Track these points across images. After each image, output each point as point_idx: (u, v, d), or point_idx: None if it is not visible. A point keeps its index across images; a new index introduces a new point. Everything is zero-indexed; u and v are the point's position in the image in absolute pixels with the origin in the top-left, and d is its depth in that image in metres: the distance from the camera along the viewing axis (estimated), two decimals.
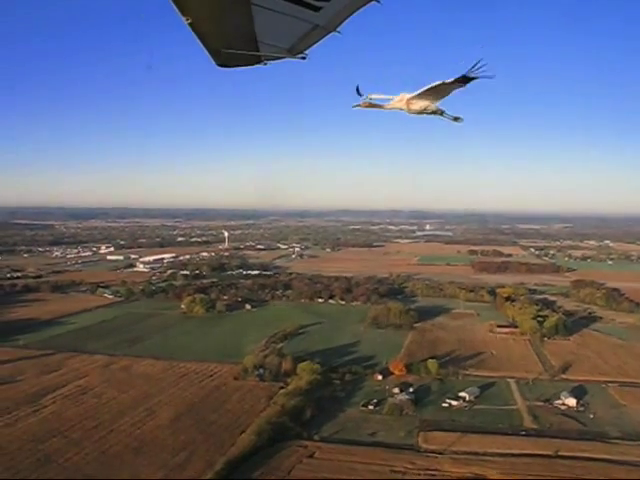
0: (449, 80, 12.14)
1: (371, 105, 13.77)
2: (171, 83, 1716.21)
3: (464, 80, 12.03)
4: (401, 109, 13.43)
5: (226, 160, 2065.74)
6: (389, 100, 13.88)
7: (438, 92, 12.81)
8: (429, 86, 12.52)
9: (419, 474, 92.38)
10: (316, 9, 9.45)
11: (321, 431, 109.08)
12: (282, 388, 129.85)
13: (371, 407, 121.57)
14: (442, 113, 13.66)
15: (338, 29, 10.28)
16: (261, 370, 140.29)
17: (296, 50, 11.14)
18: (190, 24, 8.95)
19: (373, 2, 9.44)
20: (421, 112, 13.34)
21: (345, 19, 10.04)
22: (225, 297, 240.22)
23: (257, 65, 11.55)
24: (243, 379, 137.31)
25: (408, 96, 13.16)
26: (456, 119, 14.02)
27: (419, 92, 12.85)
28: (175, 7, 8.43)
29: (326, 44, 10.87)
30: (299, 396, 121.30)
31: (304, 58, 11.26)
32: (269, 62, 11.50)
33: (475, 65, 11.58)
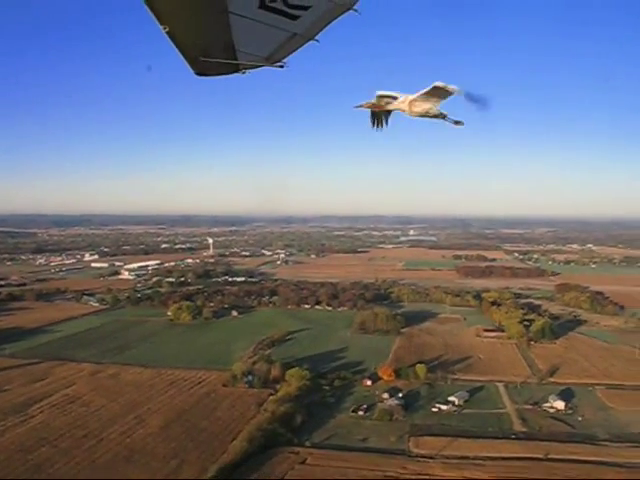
0: (450, 87, 12.48)
1: (373, 105, 13.83)
2: (152, 90, 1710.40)
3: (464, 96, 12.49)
4: (403, 111, 13.46)
5: (209, 167, 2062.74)
6: (394, 100, 13.89)
7: (439, 94, 12.89)
8: (430, 87, 12.64)
9: (411, 478, 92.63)
10: (294, 18, 9.52)
11: (312, 437, 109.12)
12: (271, 395, 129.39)
13: (361, 412, 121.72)
14: (444, 117, 13.70)
15: (316, 37, 10.34)
16: (250, 377, 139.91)
17: (274, 59, 11.15)
18: (167, 32, 8.94)
19: (351, 11, 9.47)
20: (423, 115, 13.34)
21: (323, 28, 10.09)
22: (211, 304, 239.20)
23: (235, 74, 11.51)
24: (232, 386, 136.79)
25: (411, 97, 13.17)
26: (457, 123, 14.04)
27: (421, 93, 12.92)
28: (152, 15, 8.42)
29: (304, 52, 10.89)
30: (289, 402, 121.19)
31: (282, 67, 11.25)
32: (247, 71, 11.47)
33: (480, 99, 12.35)
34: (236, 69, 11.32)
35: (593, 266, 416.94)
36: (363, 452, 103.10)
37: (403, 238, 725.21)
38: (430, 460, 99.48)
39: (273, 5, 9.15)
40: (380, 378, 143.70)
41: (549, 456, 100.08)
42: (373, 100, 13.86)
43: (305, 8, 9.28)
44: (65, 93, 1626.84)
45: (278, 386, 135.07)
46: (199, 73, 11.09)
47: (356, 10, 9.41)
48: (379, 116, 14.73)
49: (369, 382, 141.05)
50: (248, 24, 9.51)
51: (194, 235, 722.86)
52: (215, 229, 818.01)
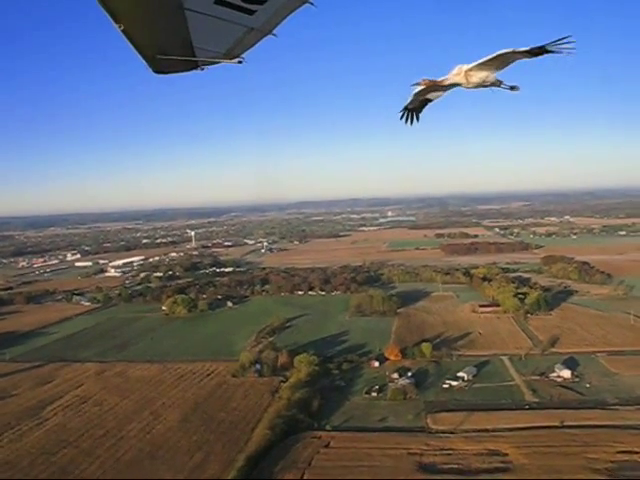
0: (521, 49, 11.70)
1: (430, 82, 13.52)
2: (122, 88, 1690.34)
3: (539, 52, 11.58)
4: (459, 83, 13.08)
5: (180, 160, 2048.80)
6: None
7: (502, 61, 12.42)
8: (494, 55, 12.05)
9: (436, 454, 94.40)
10: (250, 12, 9.43)
11: (330, 421, 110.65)
12: (282, 382, 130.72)
13: (374, 394, 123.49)
14: (500, 84, 13.27)
15: (274, 31, 10.30)
16: (258, 365, 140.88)
17: (233, 54, 11.03)
18: (123, 31, 8.72)
19: (307, 4, 9.37)
20: (480, 85, 12.99)
21: (280, 21, 10.03)
22: (204, 296, 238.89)
23: (194, 70, 11.31)
24: (242, 376, 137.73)
25: (466, 67, 12.76)
26: (513, 88, 13.52)
27: (481, 62, 12.42)
28: (106, 14, 8.20)
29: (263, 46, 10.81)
30: (302, 388, 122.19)
31: (241, 62, 11.13)
32: (206, 67, 11.27)
33: (560, 40, 11.15)
34: (194, 66, 11.19)
35: (574, 237, 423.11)
36: (383, 432, 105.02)
37: (382, 220, 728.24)
38: (451, 435, 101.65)
39: (229, 0, 9.06)
40: (387, 359, 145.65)
41: (565, 423, 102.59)
42: (428, 79, 13.54)
43: (261, 2, 9.24)
44: (32, 89, 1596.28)
45: (287, 373, 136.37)
46: (157, 71, 10.93)
47: (312, 3, 9.32)
48: (412, 111, 14.79)
49: (376, 363, 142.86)
50: (204, 20, 9.43)
51: (173, 228, 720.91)
52: (192, 221, 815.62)
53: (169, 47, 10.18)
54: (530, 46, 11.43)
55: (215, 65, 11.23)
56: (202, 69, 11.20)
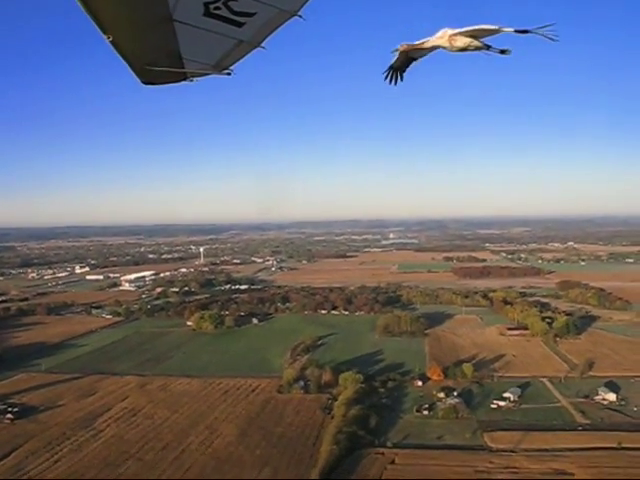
0: (506, 28, 11.99)
1: (410, 47, 13.22)
2: (121, 101, 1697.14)
3: (523, 32, 11.82)
4: (443, 46, 12.81)
5: (182, 174, 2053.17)
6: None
7: (486, 32, 12.39)
8: (479, 27, 12.18)
9: (502, 472, 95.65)
10: (239, 25, 9.55)
11: (388, 438, 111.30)
12: (330, 399, 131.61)
13: (425, 412, 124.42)
14: (488, 48, 12.85)
15: (262, 44, 10.41)
16: (301, 382, 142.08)
17: (222, 66, 11.15)
18: (111, 42, 8.83)
19: (296, 17, 9.47)
20: (464, 49, 12.70)
21: (269, 34, 10.15)
22: (227, 312, 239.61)
23: (183, 82, 11.51)
24: (288, 392, 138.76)
25: (451, 32, 12.52)
26: (503, 52, 13.09)
27: (465, 30, 12.34)
28: (95, 25, 8.29)
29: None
30: (355, 405, 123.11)
31: (229, 74, 11.28)
32: (195, 79, 11.47)
33: (544, 27, 11.50)
34: (183, 77, 11.39)
35: (582, 263, 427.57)
36: (444, 449, 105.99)
37: (384, 242, 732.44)
38: (512, 454, 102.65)
39: (218, 12, 9.18)
40: (429, 378, 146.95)
41: (622, 445, 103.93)
42: (406, 44, 13.25)
43: (250, 15, 9.34)
44: (32, 100, 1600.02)
45: (333, 390, 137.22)
46: (146, 82, 11.14)
47: (301, 16, 9.45)
48: (396, 70, 14.16)
49: (419, 383, 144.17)
50: (194, 32, 9.61)
51: (175, 244, 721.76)
52: (195, 238, 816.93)
53: (158, 58, 10.43)
54: (515, 28, 11.78)
55: (204, 77, 11.48)
56: (191, 80, 11.48)
